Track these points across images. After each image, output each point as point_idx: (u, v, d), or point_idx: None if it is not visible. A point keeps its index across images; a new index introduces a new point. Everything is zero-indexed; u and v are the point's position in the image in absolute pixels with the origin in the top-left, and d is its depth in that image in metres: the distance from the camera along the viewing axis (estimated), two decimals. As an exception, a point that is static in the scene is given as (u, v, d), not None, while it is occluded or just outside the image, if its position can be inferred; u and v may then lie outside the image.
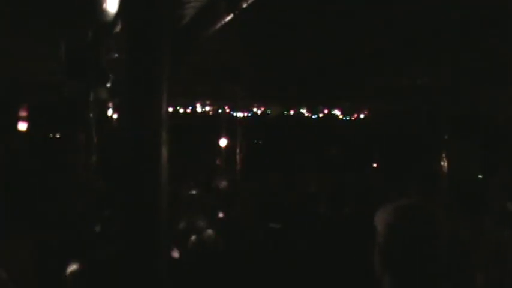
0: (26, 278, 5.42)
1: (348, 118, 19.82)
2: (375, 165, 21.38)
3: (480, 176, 16.00)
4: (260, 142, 23.37)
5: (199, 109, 17.13)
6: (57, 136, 19.55)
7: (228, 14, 5.41)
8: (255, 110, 18.11)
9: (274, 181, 13.52)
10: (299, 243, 6.84)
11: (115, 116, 15.37)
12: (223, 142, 17.16)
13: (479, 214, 5.47)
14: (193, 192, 9.84)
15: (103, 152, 12.23)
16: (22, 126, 15.06)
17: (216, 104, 17.06)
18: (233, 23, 5.62)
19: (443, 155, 18.52)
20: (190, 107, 16.93)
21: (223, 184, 11.24)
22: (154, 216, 3.53)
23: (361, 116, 19.62)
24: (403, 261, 2.55)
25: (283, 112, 18.50)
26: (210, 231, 6.56)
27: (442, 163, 18.54)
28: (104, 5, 5.62)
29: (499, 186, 7.93)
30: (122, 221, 3.75)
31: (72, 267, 5.72)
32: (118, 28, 6.16)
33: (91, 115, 11.30)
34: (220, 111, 17.80)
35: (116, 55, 6.83)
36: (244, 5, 5.14)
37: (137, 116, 3.54)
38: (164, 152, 3.51)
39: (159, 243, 3.57)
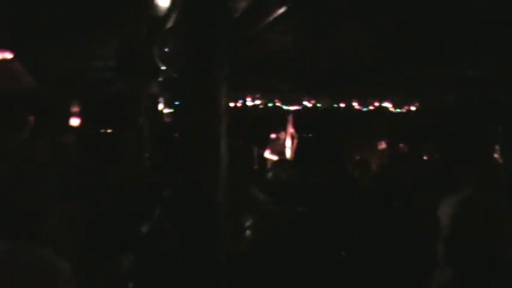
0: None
1: (398, 110, 19.61)
2: (425, 158, 21.15)
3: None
4: (310, 135, 23.27)
5: (249, 103, 17.10)
6: (109, 131, 19.77)
7: (281, 7, 5.41)
8: (305, 103, 18.02)
9: (328, 172, 13.43)
10: (356, 235, 6.82)
11: (166, 111, 15.47)
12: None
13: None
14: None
15: (155, 147, 12.33)
16: (74, 122, 15.27)
17: (266, 97, 17.04)
18: (284, 15, 5.61)
19: (497, 147, 18.22)
20: (241, 101, 16.93)
21: (281, 175, 11.15)
22: (214, 209, 3.54)
23: (412, 108, 19.39)
24: (467, 252, 2.53)
25: (333, 105, 18.40)
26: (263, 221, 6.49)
27: (496, 155, 18.24)
28: (157, 0, 5.67)
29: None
30: (180, 215, 3.77)
31: (127, 262, 5.80)
32: (170, 23, 6.20)
33: (143, 110, 11.40)
34: (270, 104, 17.77)
35: (168, 49, 6.87)
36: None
37: (196, 109, 3.55)
38: (223, 144, 3.52)
39: (218, 237, 3.58)
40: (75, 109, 15.28)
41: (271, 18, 5.73)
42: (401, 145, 20.02)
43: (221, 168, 3.55)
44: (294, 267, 5.64)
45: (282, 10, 5.42)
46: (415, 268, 4.61)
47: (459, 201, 2.56)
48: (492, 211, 2.54)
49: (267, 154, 16.76)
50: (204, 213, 3.54)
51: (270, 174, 9.54)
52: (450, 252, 2.52)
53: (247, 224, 6.32)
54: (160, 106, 15.23)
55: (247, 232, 6.44)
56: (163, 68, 6.94)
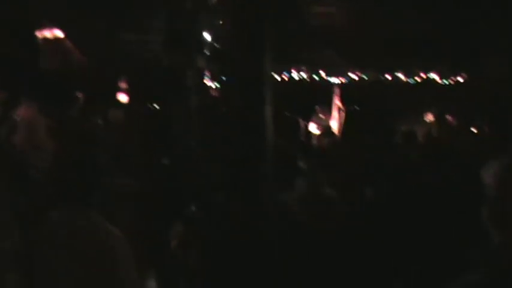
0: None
1: (446, 82, 19.40)
2: (475, 131, 20.91)
3: None
4: (357, 108, 23.16)
5: (295, 75, 17.10)
6: (157, 107, 19.92)
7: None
8: (351, 75, 17.96)
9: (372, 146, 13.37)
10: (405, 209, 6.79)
11: (213, 85, 15.50)
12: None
13: None
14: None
15: (202, 121, 12.39)
16: (123, 98, 15.39)
17: (312, 69, 17.00)
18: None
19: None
20: (287, 74, 16.93)
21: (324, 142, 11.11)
22: (260, 173, 3.59)
23: (460, 79, 19.14)
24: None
25: (379, 77, 18.30)
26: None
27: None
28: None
29: None
30: (228, 184, 3.84)
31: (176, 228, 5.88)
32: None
33: (190, 84, 11.46)
34: (316, 77, 17.73)
35: (215, 23, 6.92)
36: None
37: (240, 76, 3.60)
38: (268, 111, 3.56)
39: (265, 202, 3.64)
40: (124, 85, 15.39)
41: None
42: (449, 117, 19.83)
43: (266, 135, 3.60)
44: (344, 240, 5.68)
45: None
46: (464, 235, 4.60)
47: (505, 163, 2.56)
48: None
49: (312, 128, 16.69)
50: (251, 179, 3.60)
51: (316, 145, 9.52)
52: (496, 214, 2.53)
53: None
54: (207, 81, 15.29)
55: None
56: (210, 41, 7.00)
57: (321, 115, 17.08)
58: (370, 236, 6.03)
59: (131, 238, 3.45)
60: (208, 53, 7.89)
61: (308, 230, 5.45)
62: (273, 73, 14.57)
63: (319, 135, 13.88)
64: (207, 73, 15.08)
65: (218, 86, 15.70)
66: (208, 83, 15.74)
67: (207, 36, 6.97)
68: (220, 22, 6.53)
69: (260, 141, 3.64)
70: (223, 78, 5.07)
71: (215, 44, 7.12)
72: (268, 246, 3.74)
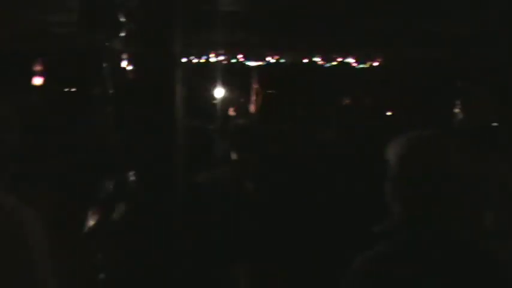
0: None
1: (362, 66, 19.70)
2: (389, 113, 21.38)
3: (495, 124, 15.88)
4: (274, 91, 23.30)
5: (212, 59, 17.06)
6: (73, 90, 19.59)
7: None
8: (268, 59, 18.04)
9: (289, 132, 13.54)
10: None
11: (130, 68, 15.33)
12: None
13: (492, 154, 5.50)
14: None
15: (119, 104, 12.27)
16: (37, 80, 15.10)
17: (229, 53, 17.00)
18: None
19: (459, 102, 18.46)
20: (204, 57, 16.87)
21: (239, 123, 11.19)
22: (171, 156, 3.61)
23: (375, 64, 19.47)
24: (414, 193, 2.63)
25: (297, 61, 18.43)
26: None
27: (457, 110, 18.49)
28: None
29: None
30: (137, 163, 3.85)
31: (91, 222, 5.83)
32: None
33: (106, 67, 11.32)
34: (234, 60, 17.74)
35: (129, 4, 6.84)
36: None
37: (150, 55, 3.61)
38: (179, 90, 3.57)
39: (176, 185, 3.66)
40: (38, 68, 15.08)
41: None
42: (366, 100, 20.20)
43: (177, 116, 3.62)
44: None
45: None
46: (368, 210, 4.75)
47: (408, 140, 2.66)
48: (443, 149, 2.63)
49: (231, 111, 16.79)
50: (161, 162, 3.62)
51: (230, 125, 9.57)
52: (397, 191, 2.63)
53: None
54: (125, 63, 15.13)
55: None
56: (125, 22, 6.91)
57: (238, 99, 17.21)
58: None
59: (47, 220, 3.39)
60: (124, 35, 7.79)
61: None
62: (192, 57, 14.54)
63: (236, 117, 13.99)
64: (124, 55, 14.94)
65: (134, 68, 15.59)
66: (126, 65, 15.61)
67: (122, 18, 6.87)
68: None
69: (169, 122, 3.65)
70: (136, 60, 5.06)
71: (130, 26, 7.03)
72: (178, 232, 3.76)
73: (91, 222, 5.77)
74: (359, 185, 6.58)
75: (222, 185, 5.68)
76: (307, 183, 7.20)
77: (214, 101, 16.39)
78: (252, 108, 17.37)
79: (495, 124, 14.97)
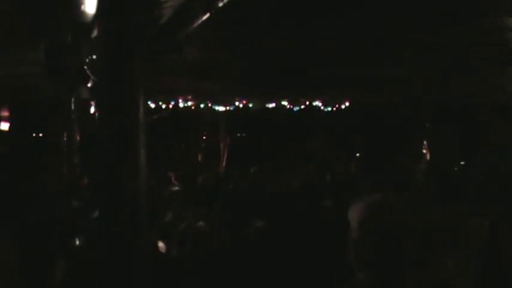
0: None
1: (329, 109, 19.85)
2: (358, 155, 21.59)
3: (462, 163, 16.18)
4: (243, 135, 23.43)
5: (181, 104, 17.03)
6: (40, 135, 19.54)
7: (205, 13, 5.51)
8: (237, 103, 18.10)
9: (258, 175, 13.61)
10: (283, 239, 6.91)
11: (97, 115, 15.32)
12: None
13: (456, 201, 5.56)
14: (176, 188, 9.89)
15: (86, 151, 12.25)
16: (4, 126, 15.06)
17: (198, 98, 17.02)
18: (210, 21, 5.71)
19: (425, 143, 18.79)
20: (173, 102, 16.84)
21: (206, 179, 11.30)
22: (135, 216, 3.62)
23: (342, 106, 19.60)
24: (375, 256, 2.67)
25: (265, 105, 18.51)
26: (201, 223, 6.61)
27: (424, 151, 18.81)
28: (83, 7, 5.69)
29: (478, 175, 8.00)
30: (104, 219, 3.84)
31: (61, 267, 5.79)
32: (97, 30, 6.22)
33: (73, 115, 11.35)
34: (202, 105, 17.76)
35: (95, 56, 6.89)
36: (220, 4, 5.24)
37: (114, 119, 3.63)
38: (142, 154, 3.60)
39: (140, 239, 3.67)
40: (4, 113, 15.06)
41: (196, 23, 5.83)
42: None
43: (140, 168, 3.63)
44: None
45: (205, 16, 5.53)
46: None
47: (367, 205, 2.71)
48: (399, 213, 2.69)
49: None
50: (126, 216, 3.63)
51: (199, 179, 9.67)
52: (359, 256, 2.67)
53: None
54: (92, 110, 15.15)
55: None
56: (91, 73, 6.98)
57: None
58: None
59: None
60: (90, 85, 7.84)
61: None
62: (160, 102, 14.49)
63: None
64: (92, 103, 14.98)
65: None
66: (94, 112, 15.61)
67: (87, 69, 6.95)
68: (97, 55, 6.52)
69: (134, 171, 3.67)
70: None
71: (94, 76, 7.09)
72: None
73: (60, 272, 5.74)
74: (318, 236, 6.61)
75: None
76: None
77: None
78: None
79: (462, 163, 15.10)
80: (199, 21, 5.75)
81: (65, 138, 12.59)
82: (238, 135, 22.11)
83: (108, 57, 3.79)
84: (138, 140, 3.62)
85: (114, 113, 3.68)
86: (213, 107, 17.96)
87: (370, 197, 2.75)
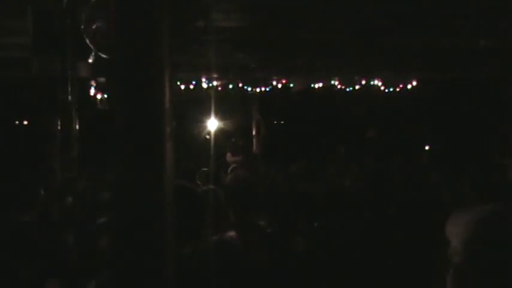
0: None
1: (391, 90, 19.61)
2: (427, 148, 21.41)
3: None
4: (282, 122, 23.38)
5: (204, 84, 16.88)
6: (25, 123, 19.61)
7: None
8: (274, 83, 17.95)
9: (299, 174, 13.51)
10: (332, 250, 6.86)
11: (99, 96, 15.31)
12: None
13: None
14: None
15: (86, 142, 12.22)
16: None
17: (226, 77, 16.88)
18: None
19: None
20: (194, 82, 16.73)
21: (237, 179, 11.16)
22: (158, 227, 3.48)
23: (408, 86, 19.32)
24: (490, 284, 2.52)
25: (309, 85, 18.36)
26: (232, 233, 6.53)
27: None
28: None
29: None
30: (119, 230, 3.71)
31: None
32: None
33: (70, 97, 11.24)
34: (231, 86, 17.61)
35: (97, 25, 6.75)
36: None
37: (133, 105, 3.47)
38: (169, 151, 3.44)
39: (166, 253, 3.54)
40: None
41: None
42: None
43: (166, 168, 3.49)
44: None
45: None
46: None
47: (476, 221, 2.51)
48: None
49: (228, 156, 16.72)
50: (147, 227, 3.51)
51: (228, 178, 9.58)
52: (468, 285, 2.50)
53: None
54: (92, 91, 15.15)
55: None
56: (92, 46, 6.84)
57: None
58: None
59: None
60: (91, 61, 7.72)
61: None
62: (178, 82, 14.50)
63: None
64: (93, 83, 14.96)
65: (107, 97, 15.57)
66: (95, 94, 15.63)
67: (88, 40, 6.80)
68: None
69: (157, 172, 3.53)
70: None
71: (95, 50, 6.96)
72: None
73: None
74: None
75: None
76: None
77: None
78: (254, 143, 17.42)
79: None
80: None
81: (59, 127, 12.49)
82: (275, 122, 22.03)
83: (120, 23, 3.62)
84: (163, 131, 3.47)
85: (131, 98, 3.52)
86: (245, 87, 17.87)
87: (477, 209, 2.58)
